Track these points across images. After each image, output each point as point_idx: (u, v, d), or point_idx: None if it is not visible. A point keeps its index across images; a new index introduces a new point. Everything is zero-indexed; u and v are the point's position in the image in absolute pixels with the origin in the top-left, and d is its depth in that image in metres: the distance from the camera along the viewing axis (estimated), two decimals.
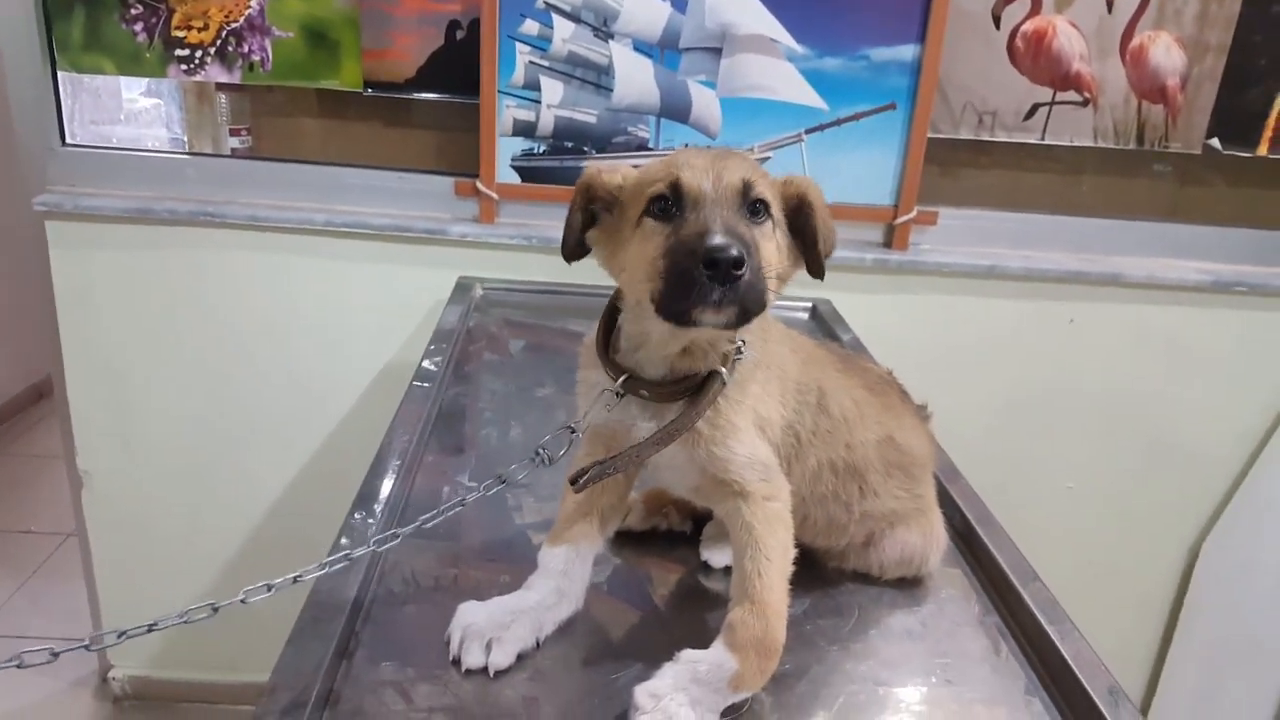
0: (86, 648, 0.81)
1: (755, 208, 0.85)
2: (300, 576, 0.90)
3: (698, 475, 0.95)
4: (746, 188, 0.84)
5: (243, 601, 0.88)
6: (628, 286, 0.91)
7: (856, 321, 1.95)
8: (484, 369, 1.71)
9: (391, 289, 2.07)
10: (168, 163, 2.07)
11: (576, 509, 1.01)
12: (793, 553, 0.93)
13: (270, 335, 2.12)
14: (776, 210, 0.87)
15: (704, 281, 0.77)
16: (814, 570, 1.10)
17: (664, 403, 0.91)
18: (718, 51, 1.97)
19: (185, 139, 2.09)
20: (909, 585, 1.14)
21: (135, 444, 2.18)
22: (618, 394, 0.92)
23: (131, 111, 2.06)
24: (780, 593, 0.90)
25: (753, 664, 0.87)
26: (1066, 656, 0.98)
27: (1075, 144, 2.10)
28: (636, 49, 1.97)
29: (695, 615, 1.05)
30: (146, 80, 2.06)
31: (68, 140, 2.04)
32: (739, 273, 0.77)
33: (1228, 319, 2.19)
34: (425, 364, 1.60)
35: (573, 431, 0.95)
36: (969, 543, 1.23)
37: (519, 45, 1.95)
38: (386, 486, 1.20)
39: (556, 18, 1.94)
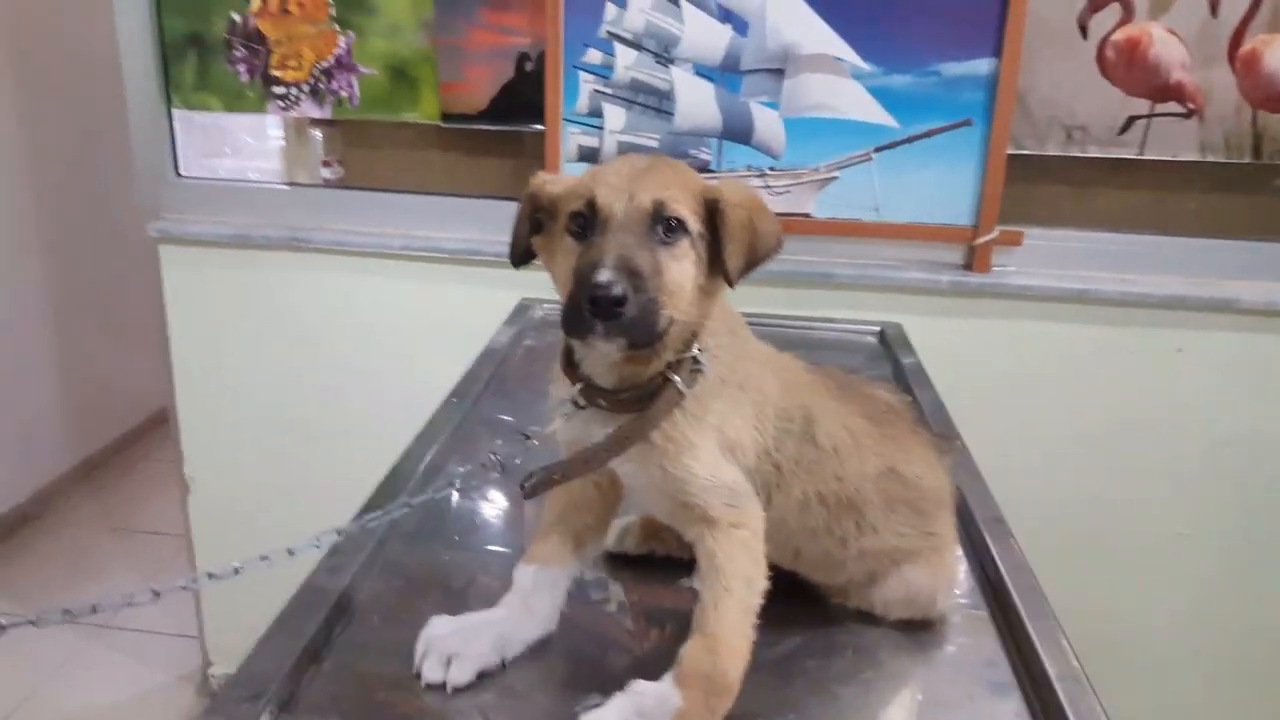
0: (32, 624, 0.87)
1: (670, 225, 0.84)
2: (269, 557, 0.91)
3: (667, 500, 0.92)
4: (658, 208, 0.84)
5: (183, 588, 0.89)
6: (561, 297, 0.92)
7: (932, 347, 1.85)
8: (527, 387, 1.73)
9: (462, 309, 2.14)
10: (267, 192, 2.23)
11: (550, 527, 1.01)
12: (760, 585, 0.89)
13: (357, 351, 2.23)
14: (696, 224, 0.86)
15: (588, 316, 0.80)
16: (815, 605, 1.04)
17: (620, 412, 0.90)
18: (780, 73, 1.95)
19: (283, 170, 2.25)
20: (917, 629, 1.05)
21: (234, 450, 2.34)
22: (576, 404, 0.91)
23: (236, 145, 2.23)
24: (737, 628, 0.86)
25: (699, 701, 0.84)
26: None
27: (1179, 158, 1.94)
28: (698, 73, 1.97)
29: (679, 644, 1.01)
30: (249, 116, 2.23)
31: (181, 172, 2.24)
32: (619, 310, 0.79)
33: None
34: (466, 376, 1.64)
35: (527, 439, 0.94)
36: (997, 592, 1.12)
37: (583, 74, 2.00)
38: (396, 493, 1.23)
39: (619, 46, 1.97)
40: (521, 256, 0.95)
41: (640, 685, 0.85)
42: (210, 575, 0.90)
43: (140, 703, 2.44)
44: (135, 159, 2.20)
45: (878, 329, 1.99)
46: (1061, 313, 2.01)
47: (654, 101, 2.00)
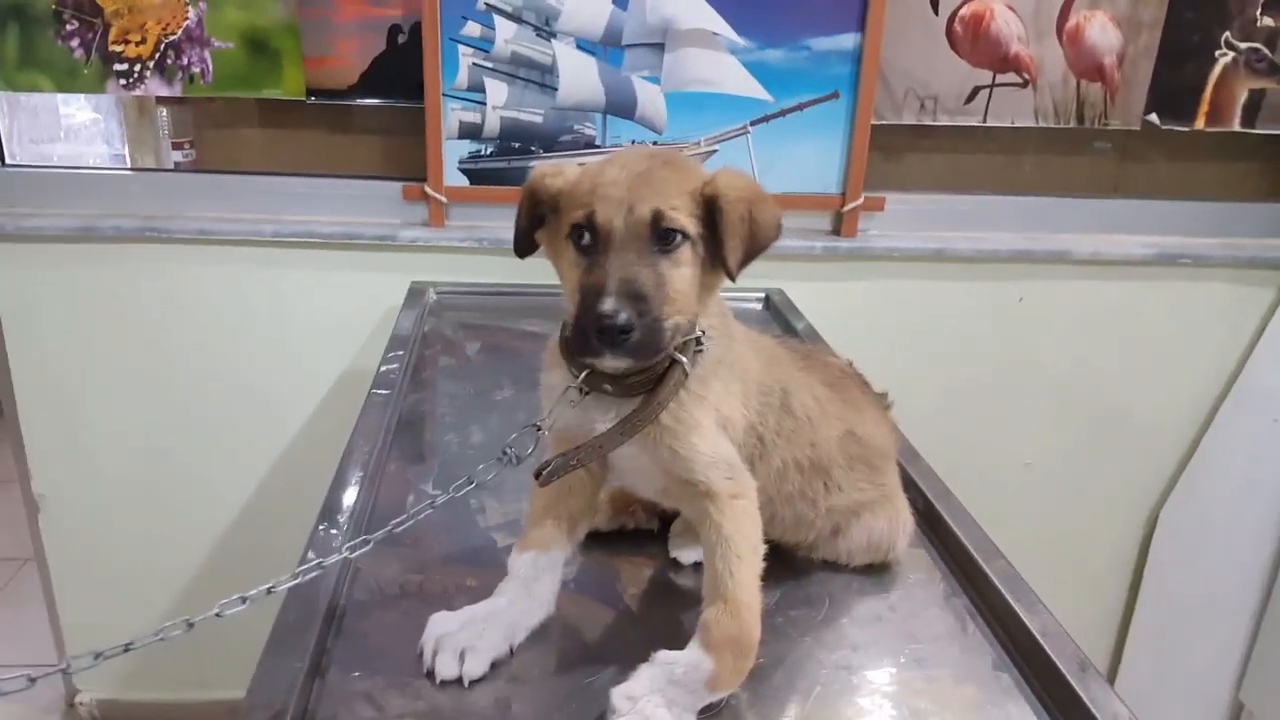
0: (64, 671, 0.81)
1: (668, 235, 0.87)
2: (274, 588, 0.90)
3: (663, 477, 0.95)
4: (657, 219, 0.86)
5: (217, 615, 0.88)
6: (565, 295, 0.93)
7: (810, 309, 1.96)
8: (441, 374, 1.71)
9: (343, 297, 2.06)
10: (110, 179, 2.04)
11: (544, 512, 1.01)
12: (762, 549, 0.93)
13: (223, 349, 2.10)
14: (695, 227, 0.88)
15: (595, 342, 0.83)
16: (782, 561, 1.10)
17: (626, 396, 0.92)
18: (660, 47, 1.98)
19: (127, 154, 2.06)
20: (877, 570, 1.15)
21: (90, 464, 2.15)
22: (581, 390, 0.92)
23: (71, 128, 2.03)
24: (753, 590, 0.90)
25: (729, 664, 0.87)
26: (1034, 631, 1.00)
27: (1017, 125, 2.13)
28: (580, 47, 1.97)
29: (667, 613, 1.05)
30: (85, 96, 2.03)
31: (7, 160, 2.01)
32: (625, 336, 0.82)
33: (1172, 291, 2.23)
34: (383, 370, 1.59)
35: (538, 429, 0.95)
36: (932, 525, 1.24)
37: (461, 48, 1.95)
38: (350, 497, 1.19)
39: (498, 19, 1.94)
40: (524, 249, 0.96)
41: (667, 655, 0.88)
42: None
43: None
44: None
45: (763, 295, 2.08)
46: (921, 271, 2.17)
47: (536, 76, 1.98)
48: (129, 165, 2.07)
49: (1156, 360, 2.29)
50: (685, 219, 0.87)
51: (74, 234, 1.99)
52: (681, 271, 0.87)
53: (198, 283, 2.05)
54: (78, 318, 2.05)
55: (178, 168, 2.06)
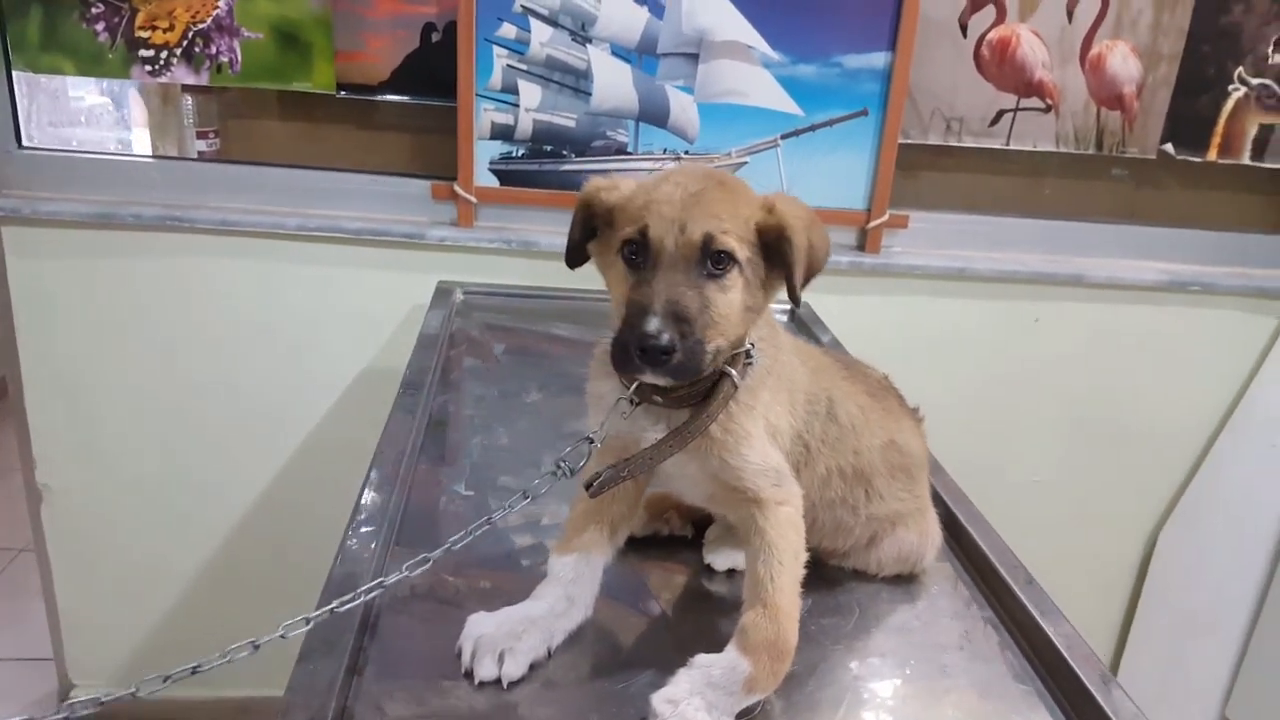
0: (134, 695, 0.81)
1: (718, 259, 0.87)
2: (336, 608, 0.89)
3: (711, 484, 0.96)
4: (708, 242, 0.86)
5: (282, 636, 0.88)
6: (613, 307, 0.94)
7: (834, 323, 1.98)
8: (468, 375, 1.70)
9: (368, 294, 2.04)
10: (131, 166, 2.01)
11: (586, 517, 1.02)
12: (804, 557, 0.95)
13: (241, 342, 2.07)
14: (745, 251, 0.88)
15: (637, 360, 0.84)
16: (814, 570, 1.10)
17: (676, 408, 0.93)
18: (695, 57, 1.98)
19: (138, 140, 2.02)
20: (904, 580, 1.17)
21: (97, 456, 2.11)
22: (632, 401, 0.93)
23: (92, 113, 1.99)
24: (792, 596, 0.92)
25: (766, 667, 0.89)
26: (1057, 644, 1.02)
27: (1039, 149, 2.16)
28: (615, 53, 1.97)
29: (701, 618, 1.06)
30: (107, 81, 1.99)
31: (24, 143, 1.97)
32: (667, 357, 0.83)
33: (1181, 316, 2.27)
34: (412, 371, 1.58)
35: (591, 442, 0.95)
36: (956, 536, 1.26)
37: (496, 49, 1.94)
38: (383, 498, 1.18)
39: (534, 21, 1.93)
40: (576, 260, 0.97)
41: (705, 658, 0.89)
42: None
43: None
44: None
45: (788, 308, 2.09)
46: (941, 288, 2.19)
47: (570, 80, 1.97)
48: (151, 153, 2.03)
49: (1163, 384, 2.33)
50: (736, 243, 0.87)
51: (91, 220, 1.95)
52: (728, 297, 0.87)
53: (218, 274, 2.02)
54: (92, 305, 2.01)
55: (201, 157, 2.03)
